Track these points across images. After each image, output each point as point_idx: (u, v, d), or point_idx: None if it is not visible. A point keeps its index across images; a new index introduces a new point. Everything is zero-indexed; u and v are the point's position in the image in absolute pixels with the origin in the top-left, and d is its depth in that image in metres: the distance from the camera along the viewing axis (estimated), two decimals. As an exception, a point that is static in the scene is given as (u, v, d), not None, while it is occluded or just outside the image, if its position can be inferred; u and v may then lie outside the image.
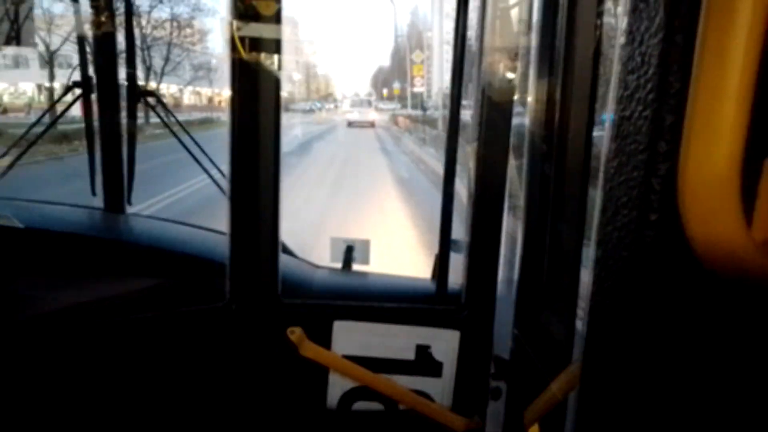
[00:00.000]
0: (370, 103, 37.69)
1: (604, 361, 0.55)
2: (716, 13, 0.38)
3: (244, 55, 1.51)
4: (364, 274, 1.96)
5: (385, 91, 60.57)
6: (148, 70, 23.80)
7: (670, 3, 0.43)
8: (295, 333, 1.59)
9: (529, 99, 1.52)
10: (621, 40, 0.49)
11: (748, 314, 0.47)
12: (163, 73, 25.97)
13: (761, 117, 0.37)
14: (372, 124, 32.67)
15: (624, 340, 0.52)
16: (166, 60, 26.22)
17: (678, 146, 0.43)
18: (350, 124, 33.04)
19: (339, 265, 1.95)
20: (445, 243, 1.78)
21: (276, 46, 1.53)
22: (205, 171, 2.07)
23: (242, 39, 1.50)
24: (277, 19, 1.52)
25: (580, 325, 1.45)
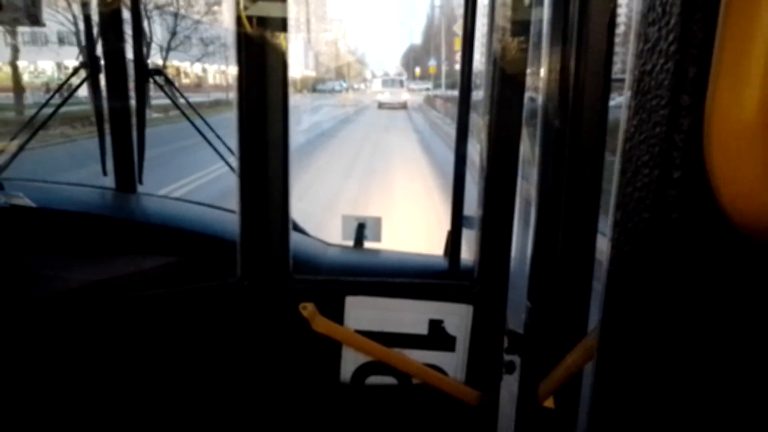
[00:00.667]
0: (402, 83, 35.31)
1: (623, 329, 0.53)
2: None
3: (250, 34, 1.49)
4: (376, 252, 1.95)
5: (417, 70, 56.17)
6: (148, 45, 23.10)
7: None
8: (308, 308, 1.60)
9: (542, 71, 1.49)
10: None
11: None
12: (169, 48, 25.14)
13: None
14: (404, 106, 31.44)
15: (645, 306, 0.50)
16: (173, 33, 25.28)
17: (702, 99, 0.41)
18: (381, 105, 31.61)
19: (351, 242, 1.95)
20: (457, 219, 1.77)
21: (283, 25, 1.51)
22: (215, 150, 2.07)
23: (249, 18, 1.49)
24: None
25: (594, 297, 1.43)
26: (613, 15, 1.32)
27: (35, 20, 1.76)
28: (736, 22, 0.37)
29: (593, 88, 1.37)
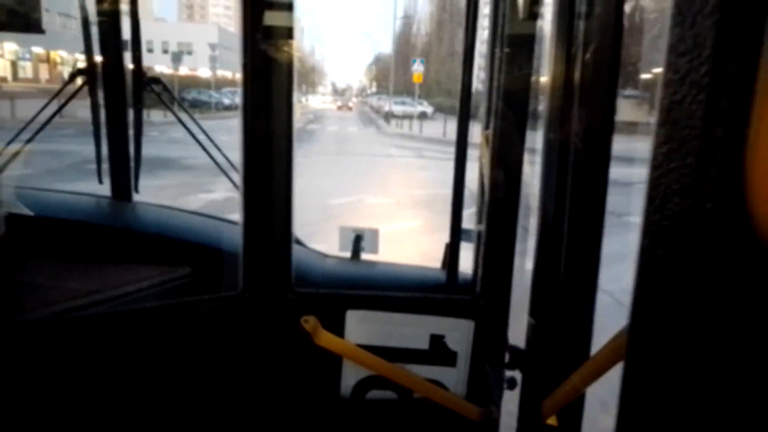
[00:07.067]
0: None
1: (650, 359, 0.53)
2: None
3: (255, 45, 1.48)
4: (373, 264, 1.94)
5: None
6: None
7: None
8: (309, 322, 1.58)
9: (546, 84, 1.49)
10: (668, 22, 0.47)
11: None
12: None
13: None
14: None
15: (673, 337, 0.50)
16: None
17: (735, 131, 0.41)
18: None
19: (348, 254, 1.94)
20: (456, 232, 1.76)
21: (288, 34, 1.50)
22: (215, 162, 2.05)
23: (254, 28, 1.47)
24: (289, 6, 1.50)
25: (597, 314, 1.43)
26: (618, 31, 1.32)
27: (36, 27, 1.73)
28: None
29: (599, 102, 1.36)
